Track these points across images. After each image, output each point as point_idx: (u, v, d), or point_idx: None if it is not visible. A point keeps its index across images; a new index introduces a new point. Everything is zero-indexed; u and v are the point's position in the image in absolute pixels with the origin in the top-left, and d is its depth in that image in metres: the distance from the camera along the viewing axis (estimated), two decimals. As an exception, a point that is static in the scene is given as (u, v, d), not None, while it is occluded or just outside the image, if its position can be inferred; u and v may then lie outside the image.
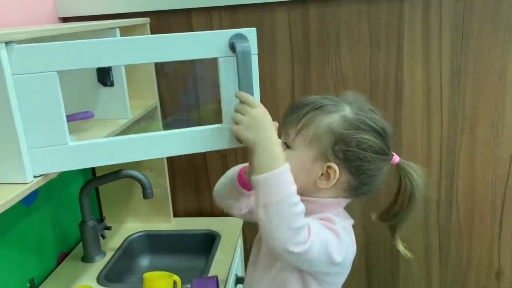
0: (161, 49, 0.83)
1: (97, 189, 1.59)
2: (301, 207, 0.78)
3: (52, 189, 1.35)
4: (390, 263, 1.64)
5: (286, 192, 0.77)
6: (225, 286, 1.22)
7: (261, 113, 0.82)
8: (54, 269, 1.33)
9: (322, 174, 0.88)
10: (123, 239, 1.49)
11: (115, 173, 1.32)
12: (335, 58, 1.45)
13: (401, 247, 0.99)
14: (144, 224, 1.58)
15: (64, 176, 1.41)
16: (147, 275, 1.16)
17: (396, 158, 0.91)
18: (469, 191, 1.53)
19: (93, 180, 1.35)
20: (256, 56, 0.86)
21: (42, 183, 0.81)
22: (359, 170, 0.87)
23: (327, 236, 0.82)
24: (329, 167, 0.87)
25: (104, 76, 1.18)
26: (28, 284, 1.22)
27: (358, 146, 0.86)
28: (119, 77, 1.17)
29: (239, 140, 0.84)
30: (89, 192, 1.34)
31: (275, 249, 0.79)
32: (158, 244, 1.52)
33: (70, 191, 1.44)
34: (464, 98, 1.44)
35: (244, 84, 0.84)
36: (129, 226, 1.57)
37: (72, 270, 1.32)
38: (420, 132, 1.49)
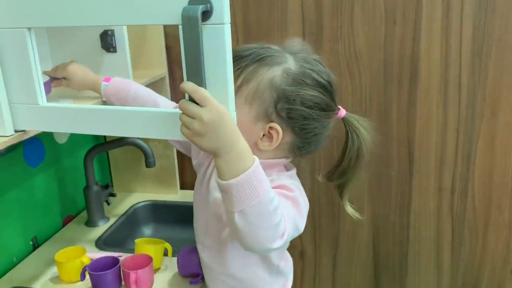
0: (112, 11, 0.69)
1: (108, 157, 1.62)
2: (276, 198, 0.69)
3: (60, 152, 1.39)
4: (398, 252, 1.58)
5: (262, 190, 0.67)
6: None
7: (213, 115, 0.64)
8: (58, 231, 1.37)
9: (264, 135, 0.82)
10: (128, 207, 1.51)
11: (118, 140, 1.34)
12: (348, 33, 1.39)
13: (349, 208, 0.93)
14: (151, 194, 1.59)
15: (74, 140, 1.44)
16: (138, 240, 1.17)
17: (342, 112, 0.86)
18: (486, 180, 1.44)
19: (97, 146, 1.37)
20: (228, 26, 0.64)
21: (21, 138, 0.83)
22: (304, 129, 0.82)
23: (291, 211, 0.77)
24: (271, 127, 0.81)
25: (107, 41, 1.18)
26: (31, 242, 1.27)
27: (303, 104, 0.79)
28: (122, 43, 1.18)
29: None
30: (93, 157, 1.36)
31: (254, 250, 0.73)
32: (163, 214, 1.53)
33: (80, 156, 1.47)
34: (486, 80, 1.35)
35: (191, 63, 0.64)
36: (136, 195, 1.59)
37: (74, 232, 1.36)
38: (435, 115, 1.41)
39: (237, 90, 0.78)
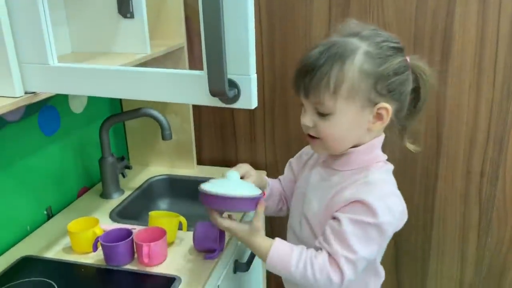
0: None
1: (124, 130, 1.59)
2: (302, 263, 0.84)
3: (76, 122, 1.36)
4: (421, 236, 1.52)
5: (286, 270, 0.86)
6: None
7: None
8: (73, 202, 1.35)
9: (373, 117, 0.84)
10: (144, 180, 1.48)
11: (134, 111, 1.30)
12: (377, 4, 1.31)
13: (410, 145, 0.95)
14: (167, 168, 1.56)
15: (90, 110, 1.41)
16: (153, 213, 1.14)
17: (408, 60, 0.87)
18: (519, 165, 1.36)
19: (113, 116, 1.34)
20: None
21: (31, 100, 0.79)
22: (402, 93, 0.85)
23: (369, 243, 0.83)
24: (379, 108, 0.83)
25: (124, 6, 1.14)
26: (45, 212, 1.25)
27: (396, 74, 0.82)
28: (139, 8, 1.13)
29: None
30: (109, 128, 1.33)
31: None
32: (178, 189, 1.50)
33: (97, 127, 1.44)
34: (524, 57, 1.26)
35: (210, 33, 0.63)
36: (152, 169, 1.56)
37: (89, 204, 1.34)
38: (467, 94, 1.33)
39: (334, 96, 0.81)
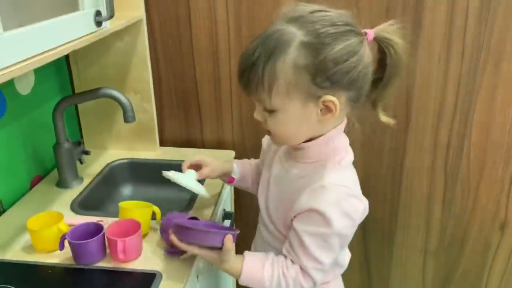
0: None
1: (77, 112, 1.46)
2: (275, 279, 0.85)
3: (24, 105, 1.21)
4: (389, 209, 1.54)
5: (261, 287, 0.86)
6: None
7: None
8: (26, 193, 1.22)
9: (321, 110, 0.78)
10: (104, 165, 1.37)
11: (92, 91, 1.18)
12: (348, -25, 1.26)
13: (383, 117, 0.86)
14: (128, 151, 1.46)
15: (38, 91, 1.27)
16: (123, 204, 1.05)
17: (370, 34, 0.78)
18: (483, 137, 1.39)
19: (68, 98, 1.20)
20: None
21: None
22: (352, 80, 0.76)
23: (333, 250, 0.83)
24: (323, 101, 0.77)
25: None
26: (-5, 207, 1.12)
27: (337, 63, 0.73)
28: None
29: None
30: (63, 110, 1.20)
31: None
32: (142, 173, 1.40)
33: (46, 110, 1.30)
34: (492, 30, 1.26)
35: None
36: (111, 153, 1.45)
37: (45, 195, 1.22)
38: (437, 65, 1.32)
39: (270, 95, 0.76)
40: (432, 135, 1.41)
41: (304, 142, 0.84)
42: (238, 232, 0.88)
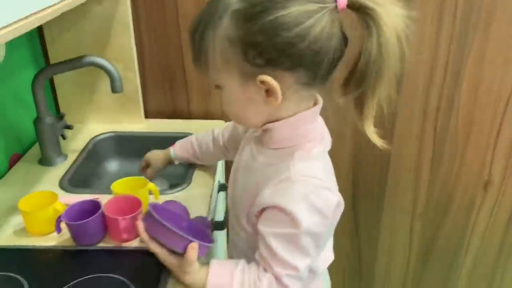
0: None
1: (52, 84, 1.35)
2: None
3: (-4, 78, 1.11)
4: (378, 175, 1.54)
5: None
6: (211, 194, 1.08)
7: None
8: (6, 173, 1.13)
9: (267, 91, 0.67)
10: (87, 140, 1.29)
11: (76, 60, 1.08)
12: None
13: (373, 136, 0.72)
14: (111, 125, 1.37)
15: (10, 61, 1.16)
16: (116, 187, 0.96)
17: (341, 1, 0.62)
18: (472, 98, 1.40)
19: (49, 68, 1.11)
20: None
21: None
22: (293, 58, 0.63)
23: (306, 251, 0.72)
24: (262, 82, 0.66)
25: None
26: (-26, 189, 1.03)
27: (269, 37, 0.61)
28: None
29: None
30: (43, 82, 1.10)
31: None
32: (128, 147, 1.33)
33: (20, 82, 1.20)
34: (484, -10, 1.26)
35: None
36: (93, 127, 1.36)
37: (28, 174, 1.13)
38: (430, 26, 1.31)
39: (208, 69, 0.69)
40: (422, 99, 1.41)
41: (270, 122, 0.73)
42: (211, 245, 0.77)
